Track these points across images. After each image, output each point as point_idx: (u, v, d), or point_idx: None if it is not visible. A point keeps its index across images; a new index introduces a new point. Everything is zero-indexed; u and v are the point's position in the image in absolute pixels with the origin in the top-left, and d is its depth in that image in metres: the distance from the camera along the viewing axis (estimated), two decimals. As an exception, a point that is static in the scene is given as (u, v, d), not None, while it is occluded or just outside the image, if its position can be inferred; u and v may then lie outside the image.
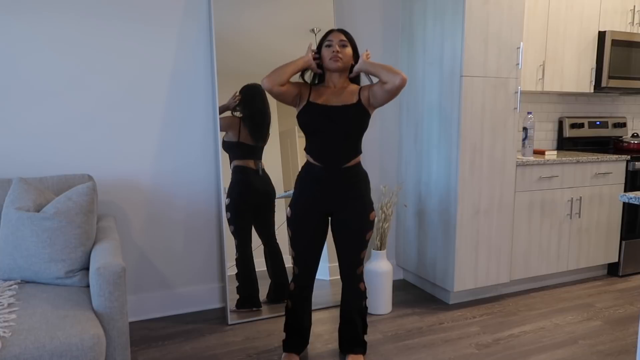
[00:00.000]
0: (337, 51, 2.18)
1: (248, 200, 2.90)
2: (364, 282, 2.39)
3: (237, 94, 2.84)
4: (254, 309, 2.92)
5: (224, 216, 2.85)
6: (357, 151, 2.24)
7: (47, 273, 2.06)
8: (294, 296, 2.36)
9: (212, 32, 2.80)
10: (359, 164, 2.26)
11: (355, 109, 2.18)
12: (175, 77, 2.85)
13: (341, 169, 2.20)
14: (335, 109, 2.17)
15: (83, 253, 2.11)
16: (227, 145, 2.86)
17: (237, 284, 2.88)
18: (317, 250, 2.31)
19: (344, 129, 2.16)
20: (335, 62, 2.18)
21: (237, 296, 2.89)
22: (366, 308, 2.43)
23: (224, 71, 2.83)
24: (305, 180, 2.26)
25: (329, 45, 2.21)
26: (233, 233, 2.87)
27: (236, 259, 2.88)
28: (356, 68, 2.24)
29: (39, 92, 2.58)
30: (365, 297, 2.41)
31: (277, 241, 2.99)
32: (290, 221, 2.28)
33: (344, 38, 2.22)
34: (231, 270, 2.87)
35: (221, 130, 2.83)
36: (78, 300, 1.93)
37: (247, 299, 2.90)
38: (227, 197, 2.85)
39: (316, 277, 2.46)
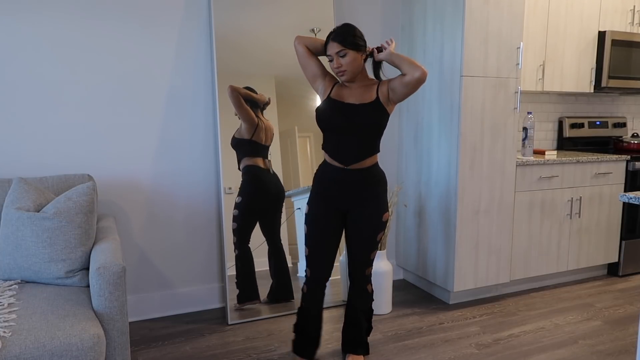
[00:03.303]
0: (339, 65, 2.11)
1: (260, 199, 2.91)
2: (371, 284, 2.37)
3: (268, 98, 2.89)
4: (255, 302, 2.92)
5: (224, 216, 2.85)
6: (374, 151, 2.19)
7: (47, 273, 2.06)
8: (306, 298, 2.33)
9: (212, 33, 2.80)
10: (375, 165, 2.22)
11: (373, 107, 2.13)
12: (175, 77, 2.85)
13: (357, 169, 2.17)
14: (352, 107, 2.14)
15: (83, 253, 2.11)
16: (237, 142, 2.85)
17: (236, 280, 2.88)
18: (330, 249, 2.27)
19: (360, 127, 2.13)
20: (342, 77, 2.16)
21: (237, 293, 2.89)
22: (372, 310, 2.43)
23: (224, 71, 2.83)
24: (322, 179, 2.25)
25: (331, 61, 2.15)
26: (235, 230, 2.87)
27: (236, 256, 2.88)
28: (381, 57, 2.15)
29: (39, 93, 2.58)
30: (372, 300, 2.40)
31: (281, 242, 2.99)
32: (306, 218, 2.28)
33: (341, 47, 2.09)
34: (231, 270, 2.88)
35: (246, 122, 2.84)
36: (78, 300, 1.93)
37: (248, 293, 2.91)
38: (238, 195, 2.85)
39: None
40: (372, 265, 2.33)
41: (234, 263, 2.88)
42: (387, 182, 2.29)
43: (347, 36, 2.10)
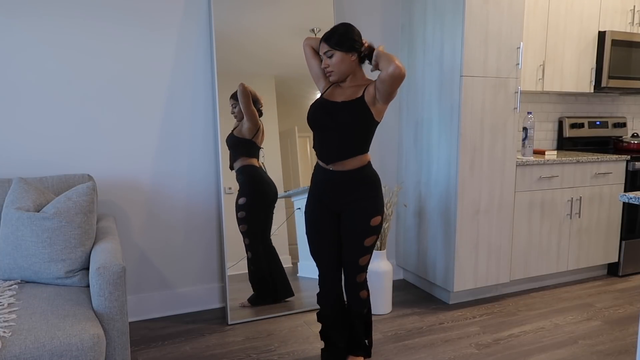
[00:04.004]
0: (327, 65, 2.12)
1: (263, 199, 2.91)
2: (366, 290, 2.28)
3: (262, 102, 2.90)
4: (271, 304, 2.94)
5: (224, 216, 2.84)
6: (358, 151, 2.12)
7: (47, 273, 2.06)
8: (318, 300, 2.31)
9: (212, 32, 2.80)
10: (364, 167, 2.14)
11: (354, 105, 2.07)
12: (175, 77, 2.85)
13: (343, 171, 2.13)
14: (335, 105, 2.11)
15: (83, 253, 2.11)
16: (236, 141, 2.85)
17: (248, 282, 2.90)
18: (331, 249, 2.22)
19: (340, 125, 2.08)
20: (330, 77, 2.16)
21: (251, 294, 2.92)
22: (368, 315, 2.33)
23: (224, 71, 2.83)
24: (314, 179, 2.25)
25: (322, 60, 2.17)
26: (244, 232, 2.87)
27: (249, 259, 2.88)
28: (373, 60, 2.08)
29: (39, 93, 2.58)
30: (366, 306, 2.30)
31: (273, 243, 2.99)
32: (305, 218, 2.28)
33: (328, 48, 2.09)
34: (231, 270, 2.88)
35: (251, 122, 2.85)
36: (78, 300, 1.93)
37: (264, 296, 2.93)
38: (240, 197, 2.85)
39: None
40: (365, 272, 2.23)
41: (235, 263, 2.88)
42: (379, 185, 2.19)
43: (336, 36, 2.09)
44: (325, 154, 2.15)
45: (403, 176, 3.49)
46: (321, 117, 2.13)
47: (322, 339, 2.36)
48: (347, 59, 2.10)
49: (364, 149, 2.14)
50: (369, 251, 2.19)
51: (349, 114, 2.07)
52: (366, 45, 2.12)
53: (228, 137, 2.85)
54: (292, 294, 2.99)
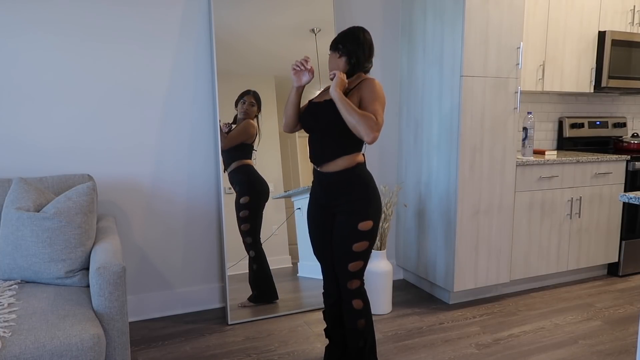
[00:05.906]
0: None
1: (262, 198, 2.93)
2: (362, 300, 2.11)
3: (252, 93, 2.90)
4: (273, 302, 2.95)
5: (224, 216, 2.84)
6: (344, 151, 2.04)
7: (47, 273, 2.06)
8: (323, 299, 2.31)
9: (212, 33, 2.80)
10: (354, 167, 2.06)
11: (332, 103, 2.00)
12: (175, 78, 2.85)
13: (331, 172, 2.08)
14: (318, 105, 2.10)
15: (83, 253, 2.11)
16: (236, 145, 2.87)
17: (250, 282, 2.91)
18: (331, 249, 2.18)
19: (323, 125, 2.05)
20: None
21: (251, 294, 2.93)
22: (364, 330, 2.12)
23: (224, 71, 2.83)
24: (312, 181, 2.25)
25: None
26: (247, 231, 2.87)
27: (251, 258, 2.89)
28: (332, 95, 1.98)
29: (39, 93, 2.58)
30: (361, 318, 2.11)
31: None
32: (306, 219, 2.28)
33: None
34: (231, 270, 2.88)
35: (250, 136, 2.88)
36: (78, 300, 1.93)
37: (267, 295, 2.93)
38: (242, 196, 2.85)
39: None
40: (358, 279, 2.09)
41: (235, 263, 2.88)
42: (371, 187, 2.08)
43: (337, 38, 2.13)
44: (314, 156, 2.14)
45: (403, 176, 3.49)
46: (307, 119, 2.14)
47: (326, 336, 2.36)
48: (333, 57, 2.14)
49: (353, 148, 2.06)
50: (359, 257, 2.06)
51: (331, 112, 2.01)
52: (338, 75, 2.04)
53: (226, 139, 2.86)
54: (276, 298, 2.99)
